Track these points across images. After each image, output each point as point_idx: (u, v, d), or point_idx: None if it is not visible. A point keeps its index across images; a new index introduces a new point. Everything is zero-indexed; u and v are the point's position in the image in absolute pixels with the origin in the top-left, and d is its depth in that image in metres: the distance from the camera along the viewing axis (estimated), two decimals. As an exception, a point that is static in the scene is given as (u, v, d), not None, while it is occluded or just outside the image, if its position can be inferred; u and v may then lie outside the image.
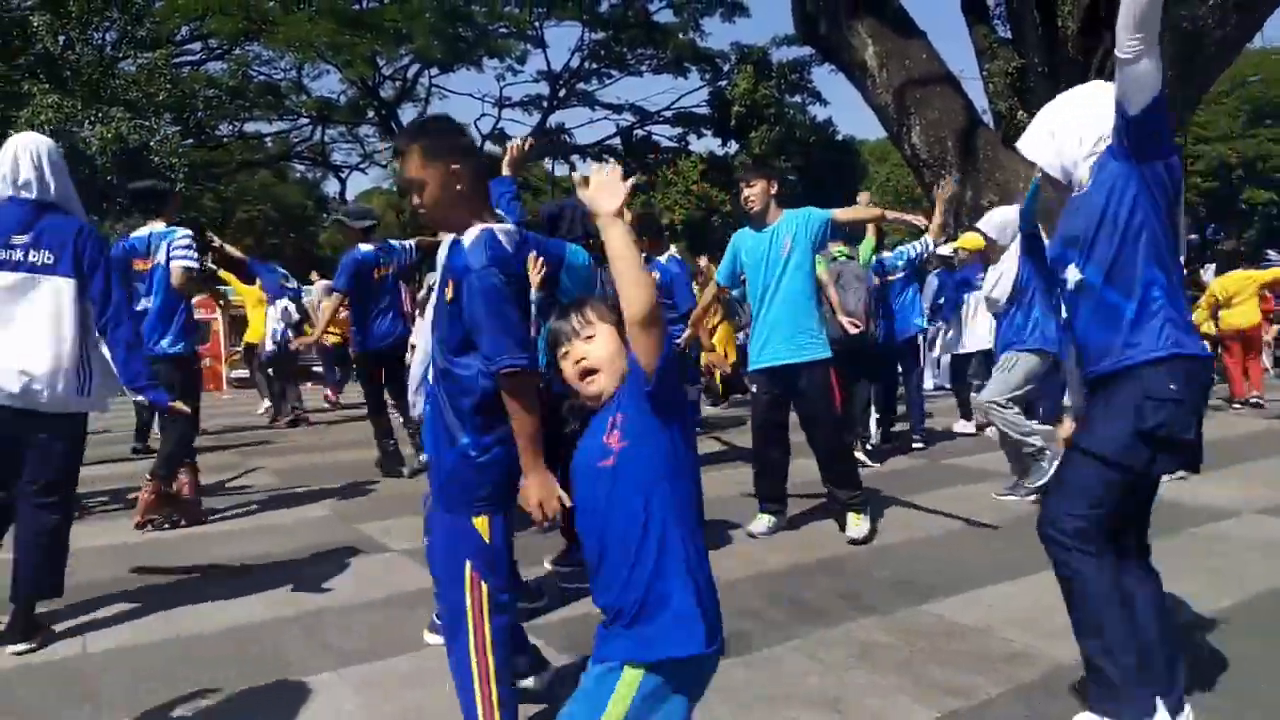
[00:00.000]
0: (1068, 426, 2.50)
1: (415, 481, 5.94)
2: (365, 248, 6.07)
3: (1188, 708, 2.24)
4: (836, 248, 6.17)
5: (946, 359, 8.83)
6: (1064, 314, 2.40)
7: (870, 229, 6.56)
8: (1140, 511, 2.33)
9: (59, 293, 3.19)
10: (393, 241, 6.49)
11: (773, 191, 4.42)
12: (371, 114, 26.29)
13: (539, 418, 2.14)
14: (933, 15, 11.75)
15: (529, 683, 2.59)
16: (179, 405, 3.67)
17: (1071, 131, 2.30)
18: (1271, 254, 10.62)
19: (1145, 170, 2.16)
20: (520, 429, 2.13)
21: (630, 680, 1.54)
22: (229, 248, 8.33)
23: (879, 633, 3.10)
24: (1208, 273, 10.52)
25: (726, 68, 26.56)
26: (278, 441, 8.60)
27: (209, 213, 25.01)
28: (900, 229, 6.92)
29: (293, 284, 10.15)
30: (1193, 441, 2.17)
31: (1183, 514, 4.46)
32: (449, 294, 2.20)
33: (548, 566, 3.88)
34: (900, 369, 7.38)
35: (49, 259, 3.19)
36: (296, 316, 9.66)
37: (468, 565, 2.16)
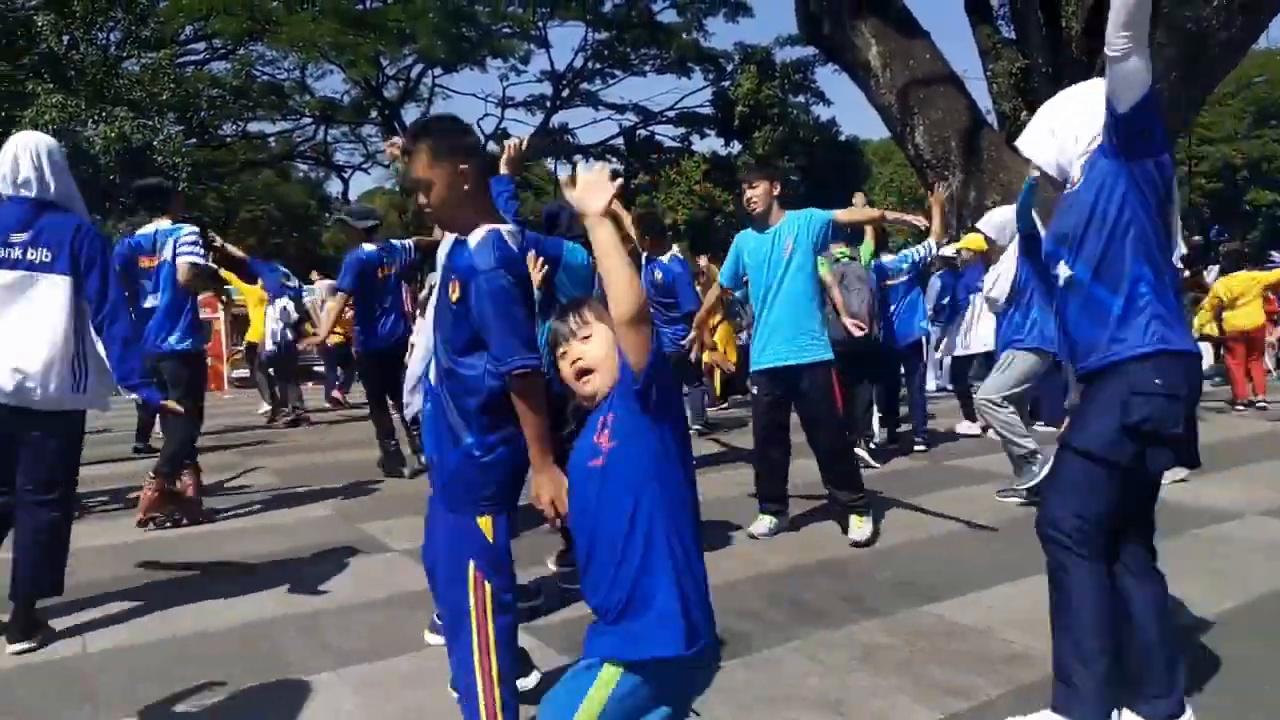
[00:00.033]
0: (1069, 426, 2.49)
1: (417, 481, 5.94)
2: (368, 247, 6.07)
3: (1189, 710, 2.23)
4: (838, 249, 6.17)
5: (948, 360, 8.82)
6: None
7: (869, 231, 6.55)
8: (1141, 511, 2.31)
9: (55, 290, 3.19)
10: (394, 241, 6.50)
11: (775, 193, 4.41)
12: (375, 114, 26.35)
13: (547, 417, 2.15)
14: (936, 15, 11.76)
15: (527, 682, 2.58)
16: (171, 404, 3.67)
17: (1070, 129, 2.31)
18: (1275, 255, 10.58)
19: (1135, 168, 2.16)
20: (530, 428, 2.13)
21: (608, 678, 1.53)
22: (230, 247, 8.34)
23: (880, 634, 3.09)
24: (1211, 274, 10.50)
25: (730, 68, 26.60)
26: (278, 441, 8.61)
27: (212, 212, 25.03)
28: (903, 230, 6.91)
29: (294, 283, 10.16)
30: (1181, 436, 2.16)
31: (1185, 516, 4.44)
32: (454, 294, 2.19)
33: (551, 567, 3.88)
34: (903, 370, 7.38)
35: (47, 257, 3.19)
36: (295, 316, 9.65)
37: (471, 565, 2.16)
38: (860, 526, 4.28)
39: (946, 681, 2.67)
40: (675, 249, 6.50)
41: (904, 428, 7.29)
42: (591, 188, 1.62)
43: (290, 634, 3.26)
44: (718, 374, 9.84)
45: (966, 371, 7.89)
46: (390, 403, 6.25)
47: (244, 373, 13.41)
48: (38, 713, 2.69)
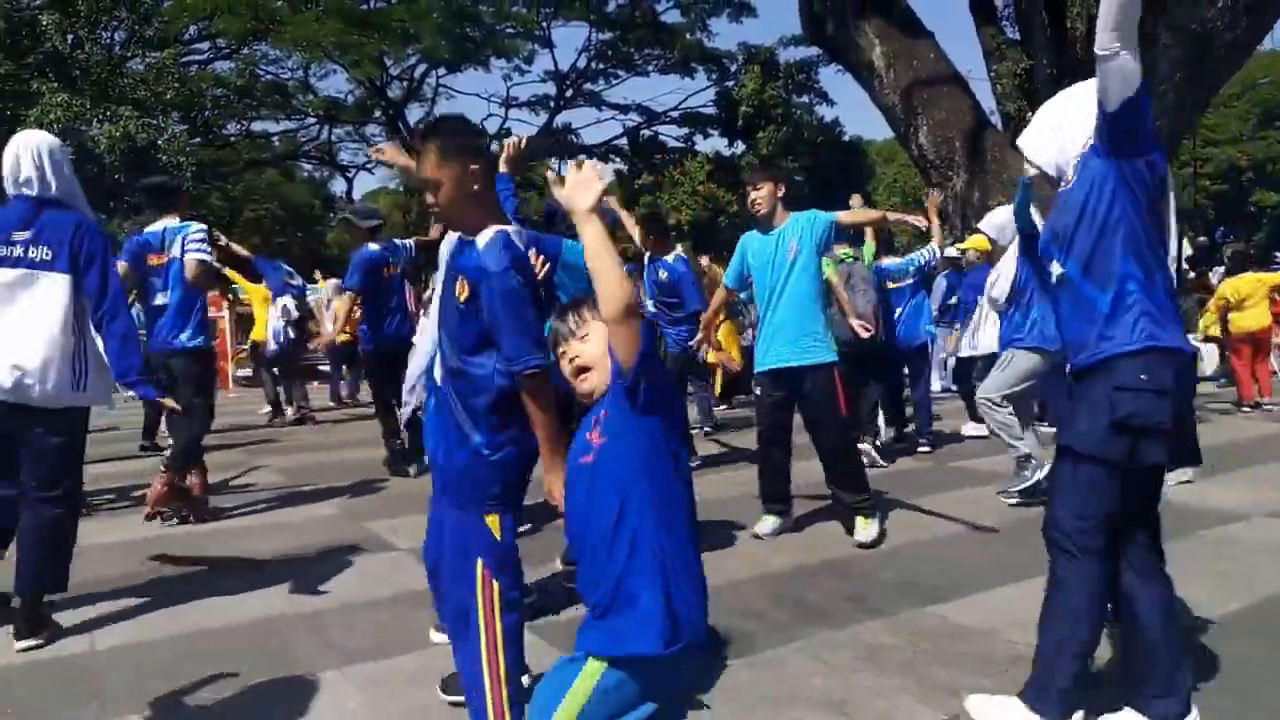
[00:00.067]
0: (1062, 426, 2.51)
1: (423, 480, 5.95)
2: (373, 247, 6.09)
3: (1195, 710, 2.23)
4: (842, 250, 6.17)
5: (953, 360, 8.81)
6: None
7: (869, 232, 6.55)
8: (1142, 511, 2.31)
9: (55, 288, 3.21)
10: (397, 241, 6.52)
11: (779, 194, 4.42)
12: (378, 114, 26.38)
13: (557, 415, 2.16)
14: (940, 16, 11.79)
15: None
16: (169, 401, 3.67)
17: (1070, 129, 2.33)
18: (1280, 256, 10.59)
19: (1125, 167, 2.17)
20: (541, 427, 2.14)
21: (590, 672, 1.54)
22: (234, 245, 8.35)
23: (884, 634, 3.10)
24: (1215, 275, 10.48)
25: (734, 68, 26.61)
26: (284, 440, 8.63)
27: (216, 211, 25.09)
28: (907, 230, 6.90)
29: (297, 281, 10.16)
30: (1170, 430, 2.15)
31: (1191, 517, 4.44)
32: (462, 294, 2.20)
33: (559, 565, 3.88)
34: (908, 372, 7.37)
35: (47, 255, 3.21)
36: (296, 314, 9.64)
37: (479, 563, 2.17)
38: (866, 528, 4.28)
39: (950, 682, 2.67)
40: (679, 249, 6.50)
41: (909, 428, 7.29)
42: (579, 186, 1.63)
43: (296, 632, 3.27)
44: (719, 374, 9.84)
45: (971, 372, 7.88)
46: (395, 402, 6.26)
47: (248, 372, 13.42)
48: (45, 709, 2.70)
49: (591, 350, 1.70)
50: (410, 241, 6.52)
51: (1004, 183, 9.66)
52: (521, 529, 3.58)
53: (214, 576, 4.00)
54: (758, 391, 4.56)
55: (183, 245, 4.83)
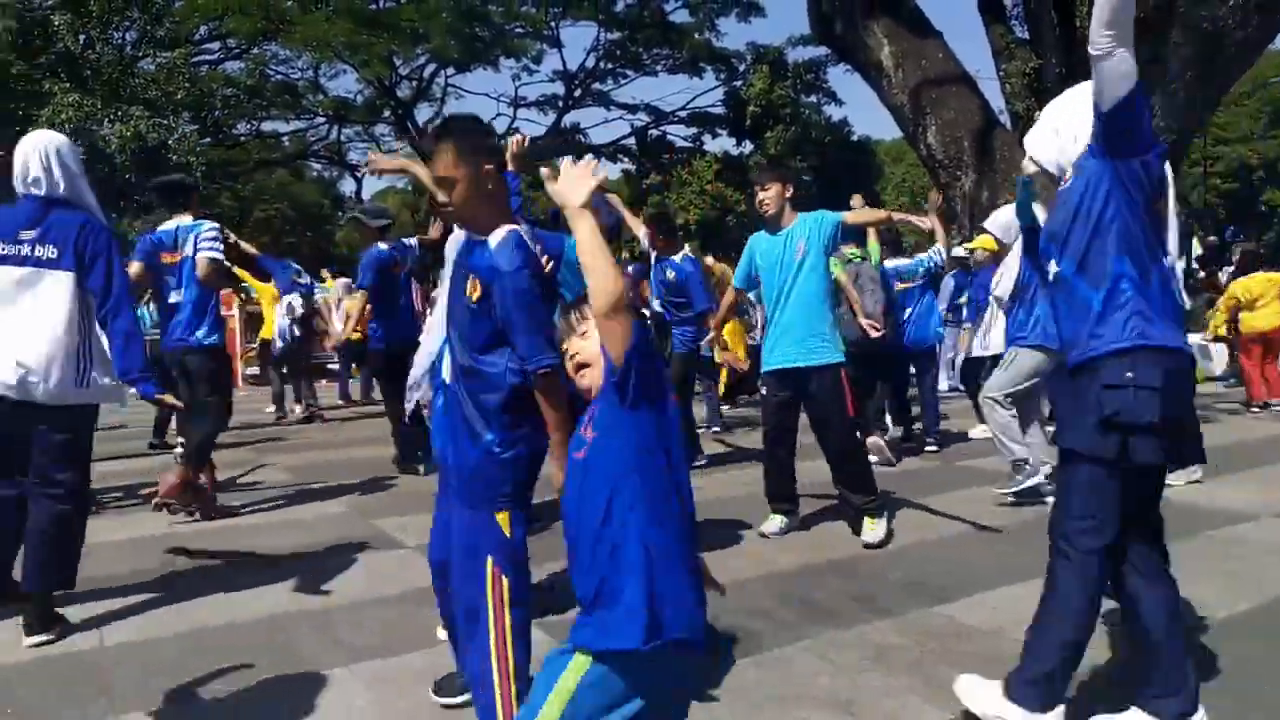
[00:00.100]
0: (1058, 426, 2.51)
1: (431, 479, 5.95)
2: (383, 246, 6.11)
3: (1201, 710, 2.23)
4: (849, 250, 6.16)
5: (960, 360, 8.79)
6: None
7: (870, 233, 6.54)
8: (1143, 511, 2.30)
9: (60, 286, 3.23)
10: (404, 240, 6.54)
11: (787, 195, 4.41)
12: (388, 113, 26.44)
13: (568, 413, 2.17)
14: (949, 15, 11.70)
15: None
16: (169, 399, 3.68)
17: (1071, 129, 2.33)
18: (1289, 256, 10.54)
19: (1120, 166, 2.17)
20: (554, 425, 2.16)
21: (577, 666, 1.54)
22: (243, 244, 8.39)
23: (891, 634, 3.10)
24: (1225, 274, 10.43)
25: (742, 68, 26.56)
26: (292, 438, 8.66)
27: (227, 211, 25.17)
28: (914, 230, 6.87)
29: (305, 279, 10.18)
30: (1159, 427, 2.13)
31: (1200, 517, 4.42)
32: (474, 293, 2.21)
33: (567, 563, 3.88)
34: (915, 371, 7.36)
35: (53, 253, 3.24)
36: (300, 312, 9.66)
37: (489, 560, 2.18)
38: (874, 528, 4.28)
39: (957, 681, 2.67)
40: (687, 248, 6.50)
41: (916, 427, 7.27)
42: (572, 180, 1.63)
43: (304, 629, 3.28)
44: (723, 373, 9.83)
45: (978, 372, 7.86)
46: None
47: (257, 370, 13.47)
48: (53, 705, 2.72)
49: (591, 347, 1.70)
50: (414, 240, 6.55)
51: (1013, 182, 9.59)
52: (531, 526, 3.58)
53: (222, 574, 4.01)
54: (764, 391, 4.56)
55: (195, 243, 4.86)
